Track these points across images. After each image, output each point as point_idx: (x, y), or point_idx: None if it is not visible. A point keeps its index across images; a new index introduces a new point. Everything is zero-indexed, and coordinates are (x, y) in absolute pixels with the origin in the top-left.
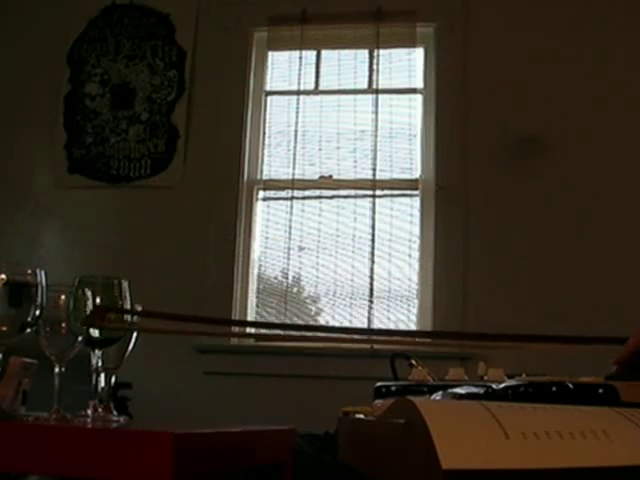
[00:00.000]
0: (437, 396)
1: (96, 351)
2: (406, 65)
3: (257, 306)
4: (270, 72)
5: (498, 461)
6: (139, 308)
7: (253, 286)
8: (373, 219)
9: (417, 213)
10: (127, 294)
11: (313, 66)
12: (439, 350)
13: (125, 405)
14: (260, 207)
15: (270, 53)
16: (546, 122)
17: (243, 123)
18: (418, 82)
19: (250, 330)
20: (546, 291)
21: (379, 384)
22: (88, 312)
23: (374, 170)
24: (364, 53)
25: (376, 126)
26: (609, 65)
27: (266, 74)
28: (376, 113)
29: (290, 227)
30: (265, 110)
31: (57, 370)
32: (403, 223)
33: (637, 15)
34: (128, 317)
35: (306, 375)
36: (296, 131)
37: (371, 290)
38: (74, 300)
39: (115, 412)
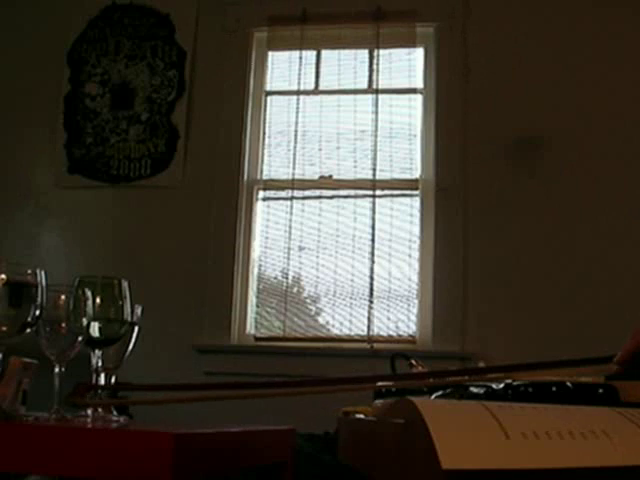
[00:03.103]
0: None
1: (96, 351)
2: (406, 65)
3: (257, 306)
4: (270, 72)
5: (498, 461)
6: (139, 308)
7: (253, 286)
8: (373, 219)
9: (417, 213)
10: (127, 294)
11: (313, 66)
12: (439, 350)
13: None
14: (260, 207)
15: (270, 53)
16: (546, 122)
17: (243, 123)
18: (418, 82)
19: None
20: (546, 291)
21: (379, 384)
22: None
23: (374, 170)
24: (364, 53)
25: (376, 126)
26: (609, 65)
27: (266, 74)
28: (376, 113)
29: (290, 227)
30: (265, 110)
31: (57, 370)
32: (403, 223)
33: (637, 15)
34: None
35: (306, 375)
36: (296, 131)
37: (371, 290)
38: (74, 300)
39: (115, 412)
